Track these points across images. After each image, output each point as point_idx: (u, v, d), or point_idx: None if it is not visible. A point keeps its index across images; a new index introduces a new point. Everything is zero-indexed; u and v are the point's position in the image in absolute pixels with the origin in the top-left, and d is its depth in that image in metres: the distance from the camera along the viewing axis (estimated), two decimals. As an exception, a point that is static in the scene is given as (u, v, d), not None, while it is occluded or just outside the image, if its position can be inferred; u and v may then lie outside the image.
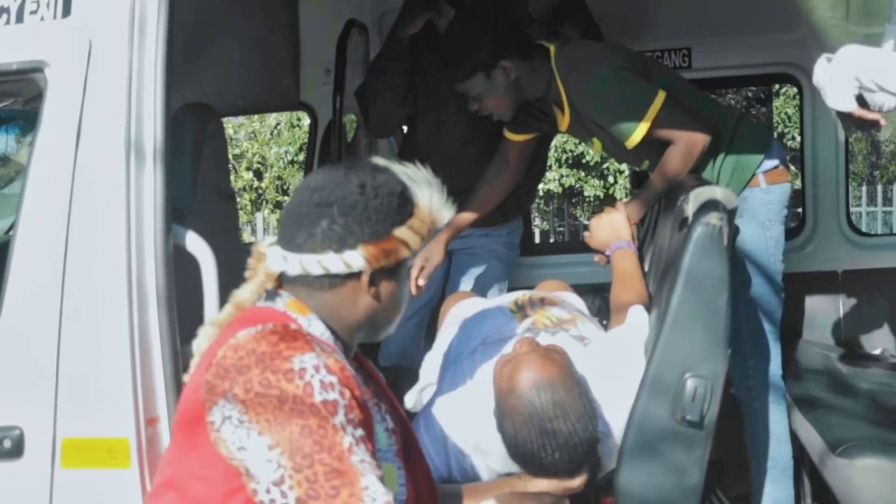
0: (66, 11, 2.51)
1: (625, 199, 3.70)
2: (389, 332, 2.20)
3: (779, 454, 3.54)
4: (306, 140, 14.86)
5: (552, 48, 3.53)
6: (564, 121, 3.60)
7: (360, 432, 1.88)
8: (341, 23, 4.24)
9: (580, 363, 2.70)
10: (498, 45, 3.47)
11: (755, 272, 3.47)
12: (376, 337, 2.17)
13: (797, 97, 4.81)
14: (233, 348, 1.91)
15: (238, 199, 16.63)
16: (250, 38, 4.18)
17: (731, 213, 2.65)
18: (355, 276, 2.03)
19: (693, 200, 2.68)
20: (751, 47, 4.51)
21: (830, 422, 3.31)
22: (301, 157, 15.82)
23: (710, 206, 2.56)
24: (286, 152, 16.23)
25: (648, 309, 2.98)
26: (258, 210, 16.52)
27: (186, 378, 2.13)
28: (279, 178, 16.66)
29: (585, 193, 15.59)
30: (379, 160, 2.14)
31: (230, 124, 15.36)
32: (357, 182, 2.02)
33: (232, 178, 16.51)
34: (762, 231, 3.49)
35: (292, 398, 1.83)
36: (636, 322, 2.86)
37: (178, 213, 2.66)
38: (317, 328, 2.03)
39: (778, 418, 3.55)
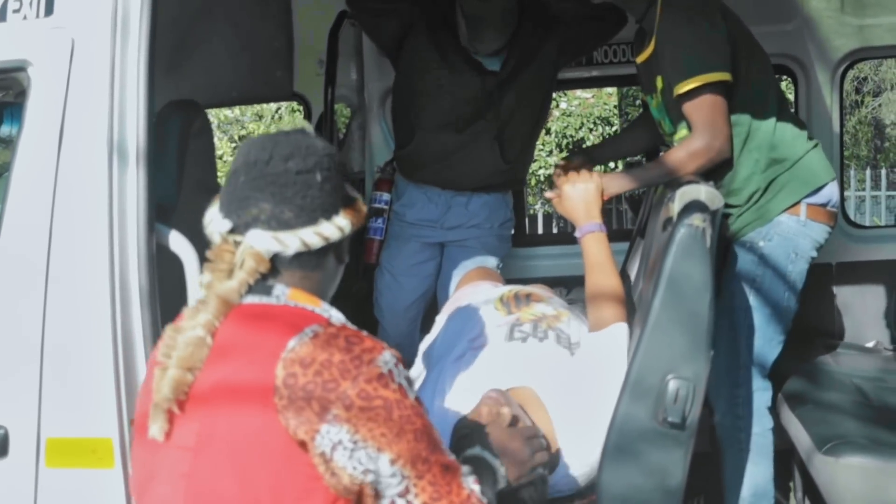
0: (49, 10, 2.52)
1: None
2: None
3: (763, 490, 3.45)
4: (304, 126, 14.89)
5: None
6: (646, 52, 3.48)
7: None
8: (334, 13, 4.23)
9: (565, 372, 2.70)
10: None
11: (768, 304, 3.39)
12: None
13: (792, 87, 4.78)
14: (298, 364, 1.77)
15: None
16: (244, 29, 4.16)
17: (714, 214, 2.63)
18: (333, 245, 1.96)
19: (678, 200, 2.67)
20: (746, 38, 4.46)
21: (819, 418, 3.31)
22: (302, 140, 15.75)
23: (693, 206, 2.56)
24: (287, 137, 16.24)
25: (632, 307, 2.98)
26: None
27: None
28: (283, 160, 16.68)
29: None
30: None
31: (236, 108, 15.40)
32: (322, 144, 1.96)
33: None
34: (786, 263, 3.38)
35: (396, 404, 1.77)
36: (618, 335, 2.82)
37: (163, 209, 2.66)
38: (338, 316, 1.93)
39: (765, 452, 3.46)
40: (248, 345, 1.84)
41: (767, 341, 3.43)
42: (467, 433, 2.25)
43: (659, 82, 3.43)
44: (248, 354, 1.83)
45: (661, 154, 3.30)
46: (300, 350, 1.78)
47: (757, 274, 3.39)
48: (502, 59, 4.04)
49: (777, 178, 3.37)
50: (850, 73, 4.78)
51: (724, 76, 3.20)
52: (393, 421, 1.76)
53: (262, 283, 1.92)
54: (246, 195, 1.90)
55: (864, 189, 14.87)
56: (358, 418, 1.74)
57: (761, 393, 3.46)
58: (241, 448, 1.78)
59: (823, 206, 3.42)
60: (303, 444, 1.76)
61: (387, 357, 1.80)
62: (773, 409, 3.54)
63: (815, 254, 3.45)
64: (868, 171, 15.17)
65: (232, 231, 1.91)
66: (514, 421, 2.34)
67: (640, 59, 3.54)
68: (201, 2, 3.64)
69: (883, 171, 15.76)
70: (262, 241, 1.89)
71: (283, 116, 16.26)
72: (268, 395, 1.76)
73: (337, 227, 1.92)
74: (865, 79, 17.96)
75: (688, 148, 3.21)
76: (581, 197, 3.19)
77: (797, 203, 3.38)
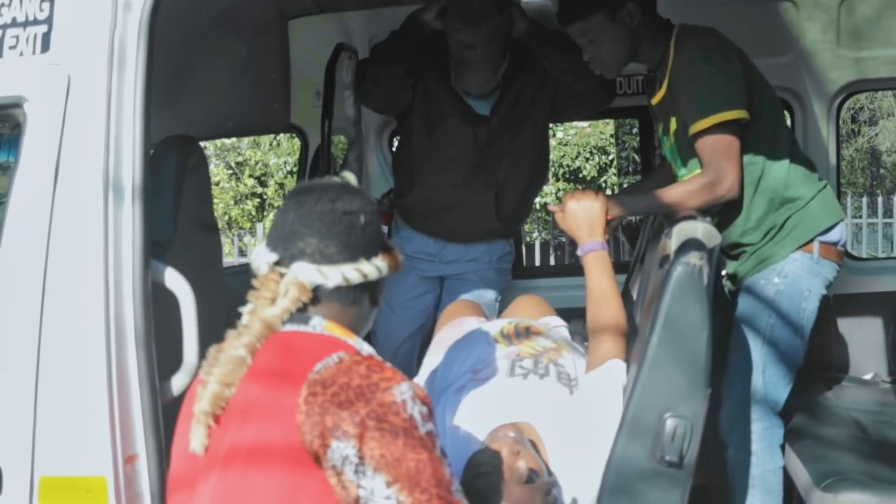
0: (45, 47, 2.52)
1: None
2: None
3: None
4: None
5: (676, 28, 3.39)
6: (660, 94, 3.47)
7: (447, 460, 1.92)
8: (331, 45, 4.23)
9: (564, 411, 2.72)
10: None
11: (782, 340, 3.37)
12: None
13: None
14: (320, 384, 1.89)
15: (242, 206, 16.73)
16: (241, 61, 4.18)
17: (711, 252, 2.63)
18: (371, 285, 2.10)
19: (675, 237, 2.67)
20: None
21: (817, 454, 3.30)
22: (301, 166, 15.78)
23: (690, 244, 2.55)
24: (285, 163, 16.30)
25: (629, 339, 2.98)
26: (261, 220, 16.57)
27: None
28: (281, 185, 16.78)
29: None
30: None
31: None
32: (365, 193, 2.13)
33: (236, 184, 16.64)
34: (800, 300, 3.37)
35: (403, 432, 1.85)
36: (615, 373, 2.82)
37: (159, 246, 2.66)
38: (368, 349, 2.05)
39: (775, 490, 3.43)
40: (280, 366, 1.98)
41: (781, 378, 3.42)
42: (485, 472, 2.33)
43: (673, 123, 3.43)
44: (278, 375, 1.97)
45: (666, 188, 3.28)
46: (324, 372, 1.90)
47: (772, 311, 3.37)
48: (493, 102, 4.05)
49: (791, 216, 3.37)
50: (847, 104, 4.78)
51: (740, 114, 3.20)
52: (396, 446, 1.84)
53: (301, 314, 2.07)
54: (294, 230, 2.07)
55: (860, 217, 14.94)
56: (363, 437, 1.84)
57: (775, 430, 3.45)
58: (262, 460, 1.92)
59: (835, 244, 3.42)
60: (317, 458, 1.87)
61: (404, 388, 1.90)
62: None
63: (825, 291, 3.44)
64: (864, 199, 15.23)
65: (278, 263, 2.07)
66: (533, 474, 2.37)
67: (654, 101, 3.53)
68: (198, 35, 3.65)
69: (879, 199, 15.81)
70: (307, 273, 2.04)
71: (281, 143, 16.30)
72: (291, 411, 1.89)
73: (376, 266, 2.08)
74: (862, 108, 18.04)
75: (695, 184, 3.21)
76: (585, 214, 3.18)
77: (811, 241, 3.38)
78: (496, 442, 2.50)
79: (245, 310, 2.09)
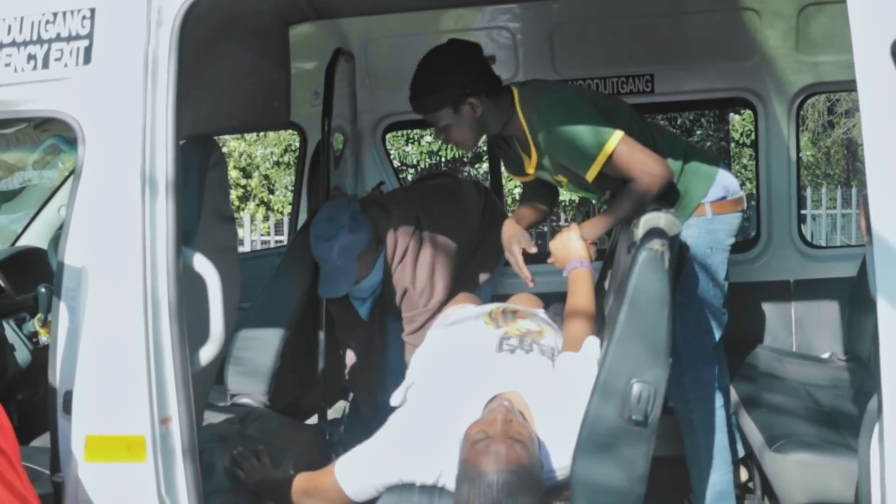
0: (87, 59, 2.80)
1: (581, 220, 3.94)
2: None
3: (719, 464, 3.75)
4: (291, 142, 14.89)
5: (515, 90, 3.66)
6: (532, 163, 3.75)
7: None
8: (328, 49, 4.53)
9: (547, 380, 3.05)
10: (468, 83, 3.61)
11: (693, 296, 3.68)
12: None
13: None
14: None
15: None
16: (246, 64, 4.44)
17: (673, 239, 2.96)
18: None
19: (641, 226, 2.99)
20: (709, 73, 4.79)
21: (772, 420, 3.60)
22: (286, 158, 16.06)
23: (654, 233, 2.87)
24: (272, 153, 16.50)
25: (602, 321, 3.31)
26: (244, 209, 16.77)
27: None
28: (266, 177, 16.97)
29: (560, 197, 15.93)
30: None
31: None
32: None
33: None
34: (704, 258, 3.68)
35: None
36: (589, 348, 3.14)
37: (185, 235, 2.95)
38: None
39: (719, 428, 3.76)
40: None
41: (705, 331, 3.74)
42: (481, 439, 2.66)
43: (562, 178, 3.77)
44: None
45: (619, 198, 3.57)
46: None
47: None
48: None
49: (669, 194, 3.64)
50: (823, 97, 5.04)
51: (618, 136, 3.47)
52: None
53: None
54: None
55: (835, 207, 15.28)
56: None
57: (708, 377, 3.77)
58: None
59: (723, 198, 3.74)
60: None
61: None
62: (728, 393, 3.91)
63: (731, 240, 3.77)
64: (839, 190, 15.55)
65: None
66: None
67: (530, 171, 3.81)
68: (206, 39, 3.92)
69: (854, 190, 16.13)
70: None
71: (267, 134, 16.46)
72: None
73: None
74: (839, 100, 18.29)
75: (638, 189, 3.50)
76: (563, 246, 3.55)
77: (700, 205, 3.71)
78: (491, 413, 2.84)
79: None
